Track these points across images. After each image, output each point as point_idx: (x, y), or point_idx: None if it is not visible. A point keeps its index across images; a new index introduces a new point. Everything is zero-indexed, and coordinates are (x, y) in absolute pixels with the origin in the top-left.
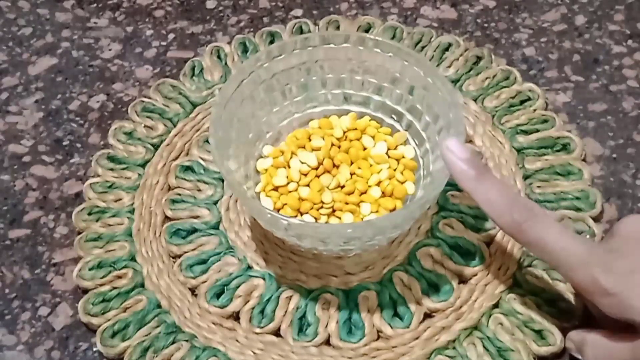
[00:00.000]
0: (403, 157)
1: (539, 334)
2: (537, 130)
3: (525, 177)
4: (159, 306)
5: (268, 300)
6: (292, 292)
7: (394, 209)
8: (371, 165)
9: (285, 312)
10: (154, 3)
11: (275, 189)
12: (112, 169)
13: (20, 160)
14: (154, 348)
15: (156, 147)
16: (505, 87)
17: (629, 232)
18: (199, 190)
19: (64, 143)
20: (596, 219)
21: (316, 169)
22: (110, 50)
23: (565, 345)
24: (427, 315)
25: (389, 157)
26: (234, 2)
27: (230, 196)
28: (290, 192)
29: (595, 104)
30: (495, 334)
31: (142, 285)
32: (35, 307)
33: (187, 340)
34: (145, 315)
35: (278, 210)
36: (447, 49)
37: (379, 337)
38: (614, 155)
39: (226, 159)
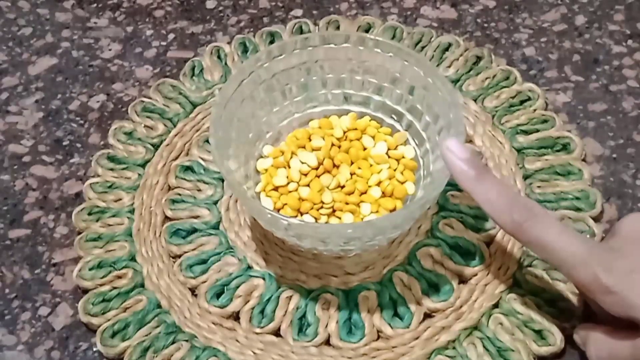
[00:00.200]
0: (403, 157)
1: (539, 334)
2: (537, 130)
3: (525, 177)
4: (159, 306)
5: (268, 300)
6: (292, 292)
7: (394, 209)
8: (371, 165)
9: (285, 312)
10: (154, 3)
11: (275, 189)
12: (112, 169)
13: (20, 160)
14: (154, 348)
15: (156, 147)
16: (505, 87)
17: (630, 230)
18: (199, 190)
19: (64, 143)
20: (596, 219)
21: (316, 169)
22: (110, 50)
23: (574, 339)
24: (427, 315)
25: (389, 157)
26: (234, 2)
27: (230, 196)
28: (290, 192)
29: (595, 104)
30: (495, 334)
31: (142, 285)
32: (35, 307)
33: (187, 340)
34: (145, 315)
35: (278, 210)
36: (447, 49)
37: (379, 337)
38: (614, 155)
39: (226, 159)
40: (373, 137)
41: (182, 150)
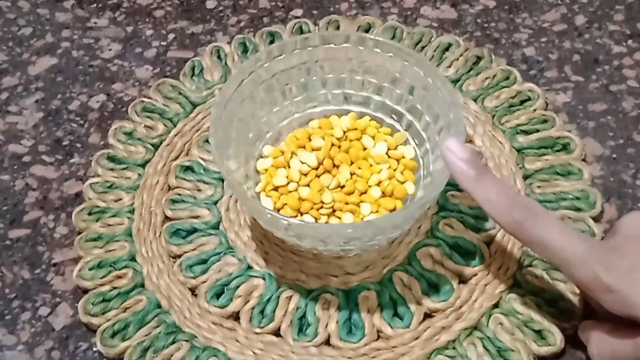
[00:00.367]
0: (403, 157)
1: (539, 334)
2: (537, 130)
3: (525, 177)
4: (159, 306)
5: (268, 300)
6: (292, 292)
7: (394, 209)
8: (371, 165)
9: (285, 312)
10: (154, 3)
11: (275, 189)
12: (112, 169)
13: (20, 160)
14: (154, 348)
15: (156, 147)
16: (505, 87)
17: (630, 229)
18: (199, 190)
19: (64, 143)
20: (596, 219)
21: (316, 169)
22: (110, 50)
23: (579, 335)
24: (427, 315)
25: (389, 157)
26: (234, 2)
27: (230, 196)
28: (290, 192)
29: (595, 104)
30: (495, 334)
31: (142, 285)
32: (35, 307)
33: (187, 340)
34: (145, 315)
35: (278, 210)
36: (447, 49)
37: (379, 337)
38: (614, 155)
39: (226, 159)
40: (373, 137)
41: (182, 150)
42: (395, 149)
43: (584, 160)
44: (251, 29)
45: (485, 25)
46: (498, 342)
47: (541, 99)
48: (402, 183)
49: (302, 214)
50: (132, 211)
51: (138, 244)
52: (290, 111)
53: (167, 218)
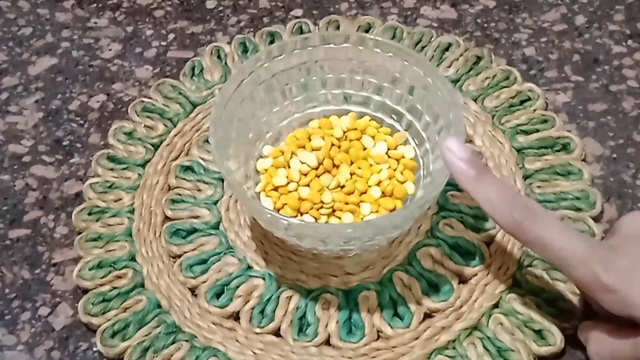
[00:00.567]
0: (403, 157)
1: (539, 334)
2: (537, 130)
3: (525, 177)
4: (159, 306)
5: (268, 300)
6: (292, 292)
7: (394, 209)
8: (371, 165)
9: (285, 312)
10: (154, 3)
11: (275, 189)
12: (112, 169)
13: (20, 160)
14: (154, 348)
15: (156, 147)
16: (505, 87)
17: (630, 229)
18: (199, 190)
19: (64, 143)
20: (596, 219)
21: (316, 169)
22: (110, 50)
23: (578, 335)
24: (427, 315)
25: (389, 157)
26: (234, 2)
27: (230, 196)
28: (290, 192)
29: (595, 104)
30: (495, 334)
31: (142, 285)
32: (35, 307)
33: (187, 340)
34: (145, 315)
35: (278, 210)
36: (447, 49)
37: (379, 337)
38: (614, 155)
39: (226, 159)
40: (373, 137)
41: (182, 150)
42: (395, 149)
43: (584, 160)
44: (251, 29)
45: (485, 25)
46: (498, 342)
47: (541, 99)
48: (402, 183)
49: (302, 214)
50: (132, 211)
51: (138, 244)
52: (290, 111)
53: (167, 218)
